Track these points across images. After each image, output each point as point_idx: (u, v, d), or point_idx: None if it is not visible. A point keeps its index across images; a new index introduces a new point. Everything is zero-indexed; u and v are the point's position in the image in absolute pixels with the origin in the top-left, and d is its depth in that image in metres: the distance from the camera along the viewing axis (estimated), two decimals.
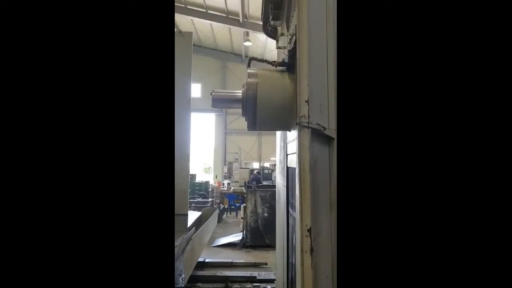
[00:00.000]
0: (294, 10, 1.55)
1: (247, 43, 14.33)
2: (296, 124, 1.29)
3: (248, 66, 1.97)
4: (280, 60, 1.96)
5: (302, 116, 1.28)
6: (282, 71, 1.85)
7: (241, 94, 1.88)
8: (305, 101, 1.30)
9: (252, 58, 2.04)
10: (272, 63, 1.97)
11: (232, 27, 13.53)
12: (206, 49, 16.58)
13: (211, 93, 2.13)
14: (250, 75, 1.81)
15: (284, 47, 1.89)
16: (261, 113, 1.75)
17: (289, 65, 1.80)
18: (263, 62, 2.00)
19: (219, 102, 2.18)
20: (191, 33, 4.38)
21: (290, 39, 1.73)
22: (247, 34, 13.71)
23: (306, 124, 1.26)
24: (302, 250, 1.24)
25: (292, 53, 1.65)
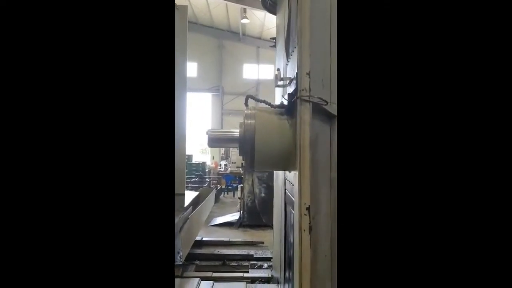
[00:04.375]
0: (296, 38, 1.45)
1: (244, 21, 13.93)
2: (297, 98, 1.23)
3: (245, 104, 1.92)
4: (279, 103, 1.92)
5: (303, 90, 1.22)
6: (281, 113, 1.81)
7: (237, 133, 1.87)
8: (307, 73, 1.23)
9: (249, 96, 1.99)
10: (270, 104, 1.93)
11: (228, 3, 13.08)
12: (202, 27, 16.12)
13: (206, 132, 2.11)
14: (247, 116, 1.78)
15: (284, 85, 1.83)
16: (259, 157, 1.76)
17: (288, 109, 1.76)
18: (261, 102, 1.96)
19: (216, 142, 2.18)
20: (186, 6, 4.17)
21: (290, 81, 1.67)
22: (245, 11, 13.30)
23: (307, 98, 1.20)
24: (300, 229, 1.22)
25: (292, 98, 1.58)
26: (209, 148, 17.19)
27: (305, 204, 1.22)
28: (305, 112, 1.23)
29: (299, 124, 1.26)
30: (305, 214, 1.21)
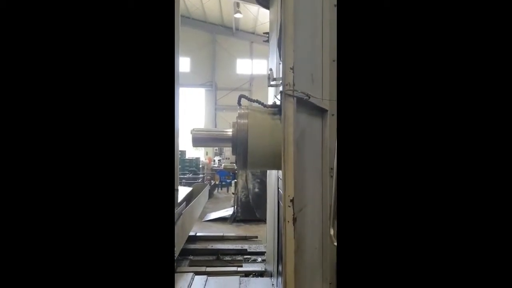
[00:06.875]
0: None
1: (237, 15, 13.83)
2: (280, 92, 1.24)
3: (238, 103, 1.93)
4: (271, 103, 1.92)
5: (286, 84, 1.22)
6: (273, 113, 1.81)
7: (230, 133, 1.88)
8: (290, 68, 1.23)
9: (242, 96, 2.00)
10: (263, 104, 1.94)
11: None
12: (195, 21, 15.94)
13: (192, 131, 2.10)
14: (240, 116, 1.79)
15: (277, 85, 1.85)
16: (252, 157, 1.77)
17: (281, 108, 1.75)
18: (254, 101, 1.97)
19: (201, 142, 2.20)
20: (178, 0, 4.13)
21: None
22: (238, 5, 13.20)
23: (291, 93, 1.20)
24: (285, 220, 1.24)
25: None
26: None
27: (289, 196, 1.24)
28: (289, 107, 1.23)
29: (283, 119, 1.27)
30: (289, 206, 1.23)
